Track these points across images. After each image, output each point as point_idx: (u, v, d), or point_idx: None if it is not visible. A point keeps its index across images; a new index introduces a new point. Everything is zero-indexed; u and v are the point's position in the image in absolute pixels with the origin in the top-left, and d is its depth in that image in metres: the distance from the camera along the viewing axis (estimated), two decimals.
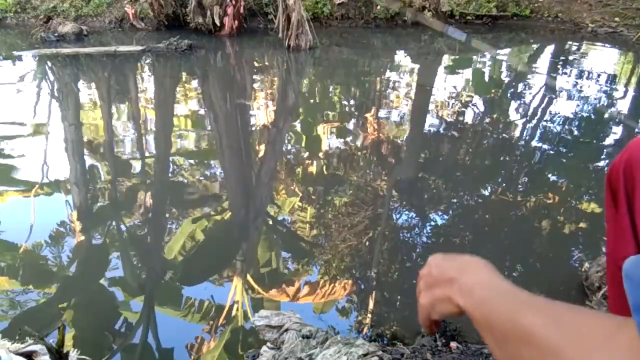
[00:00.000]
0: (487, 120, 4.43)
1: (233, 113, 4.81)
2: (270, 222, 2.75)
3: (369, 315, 1.95)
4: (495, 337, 0.49)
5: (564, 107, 4.68)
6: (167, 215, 2.83)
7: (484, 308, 0.52)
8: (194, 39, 7.51)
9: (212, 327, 1.89)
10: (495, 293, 0.53)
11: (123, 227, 2.66)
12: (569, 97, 4.99)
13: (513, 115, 4.62)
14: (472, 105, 4.91)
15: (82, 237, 2.54)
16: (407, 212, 2.78)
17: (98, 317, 1.96)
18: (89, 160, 3.53)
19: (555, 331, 0.42)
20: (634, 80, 5.91)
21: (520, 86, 5.65)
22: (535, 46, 7.98)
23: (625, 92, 5.33)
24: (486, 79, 6.16)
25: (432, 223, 2.65)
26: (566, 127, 4.19)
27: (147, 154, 3.70)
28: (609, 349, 0.39)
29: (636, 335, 0.38)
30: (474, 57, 7.28)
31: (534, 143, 3.84)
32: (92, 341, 1.81)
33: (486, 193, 2.99)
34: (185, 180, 3.26)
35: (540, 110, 4.70)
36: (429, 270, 0.64)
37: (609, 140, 3.93)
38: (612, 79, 5.80)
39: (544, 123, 4.31)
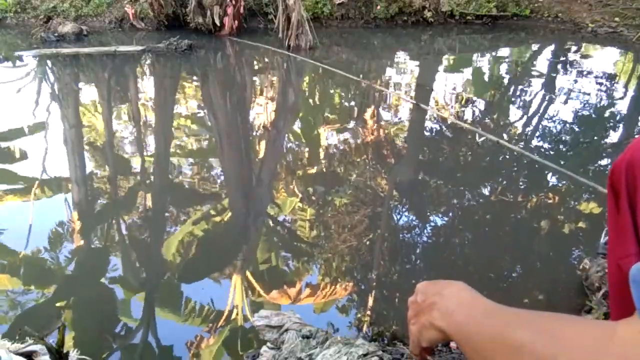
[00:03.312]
0: (487, 120, 4.43)
1: (233, 113, 4.81)
2: (271, 222, 2.75)
3: (369, 315, 1.95)
4: (482, 355, 0.49)
5: (563, 107, 4.68)
6: (167, 215, 2.83)
7: (468, 328, 0.52)
8: (194, 39, 7.51)
9: (212, 327, 1.89)
10: (479, 312, 0.53)
11: (123, 227, 2.66)
12: (569, 97, 4.99)
13: (513, 115, 4.62)
14: (472, 105, 4.91)
15: (82, 237, 2.54)
16: (406, 212, 2.78)
17: (98, 317, 1.96)
18: (89, 160, 3.53)
19: (547, 343, 0.42)
20: (634, 80, 5.91)
21: (520, 86, 5.65)
22: (535, 46, 7.98)
23: (625, 92, 5.33)
24: (486, 79, 6.16)
25: (432, 223, 2.65)
26: (566, 127, 4.19)
27: (147, 154, 3.70)
28: (602, 355, 0.39)
29: (627, 342, 0.38)
30: (474, 57, 7.28)
31: (534, 143, 3.84)
32: (92, 341, 1.81)
33: (486, 193, 2.99)
34: (185, 180, 3.25)
35: (540, 110, 4.70)
36: (415, 298, 0.64)
37: (608, 140, 3.93)
38: (612, 79, 5.80)
39: (544, 123, 4.31)
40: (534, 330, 0.44)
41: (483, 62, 7.18)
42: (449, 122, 4.17)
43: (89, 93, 5.43)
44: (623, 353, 0.38)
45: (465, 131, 3.89)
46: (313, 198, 2.95)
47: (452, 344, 1.66)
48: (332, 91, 5.52)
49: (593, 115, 4.51)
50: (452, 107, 4.82)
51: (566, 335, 0.42)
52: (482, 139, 3.55)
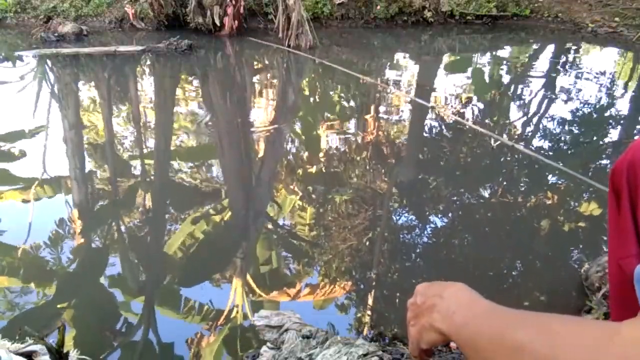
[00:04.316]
0: (487, 120, 4.43)
1: (233, 113, 4.81)
2: (270, 223, 2.75)
3: (369, 315, 1.95)
4: (483, 356, 0.49)
5: (563, 107, 4.68)
6: (167, 215, 2.83)
7: (468, 329, 0.52)
8: (194, 39, 7.51)
9: (212, 328, 1.88)
10: (478, 313, 0.53)
11: (123, 227, 2.66)
12: (569, 97, 5.00)
13: (513, 115, 4.62)
14: (472, 105, 4.91)
15: (82, 237, 2.54)
16: (407, 213, 2.78)
17: (98, 316, 1.96)
18: (88, 160, 3.53)
19: (547, 343, 0.42)
20: (634, 80, 5.91)
21: (520, 86, 5.66)
22: (535, 46, 7.98)
23: (625, 92, 5.33)
24: (486, 79, 6.16)
25: (432, 223, 2.65)
26: (566, 127, 4.19)
27: (146, 154, 3.70)
28: (604, 355, 0.39)
29: (629, 341, 0.38)
30: (474, 57, 7.29)
31: (534, 143, 3.84)
32: (92, 341, 1.81)
33: (486, 193, 2.98)
34: (185, 180, 3.25)
35: (540, 110, 4.70)
36: (415, 299, 0.64)
37: (609, 141, 3.93)
38: (612, 79, 5.80)
39: (544, 123, 4.31)
40: (534, 330, 0.44)
41: (483, 62, 7.18)
42: (448, 122, 4.16)
43: (89, 93, 5.43)
44: (624, 353, 0.38)
45: (465, 130, 3.89)
46: (313, 197, 2.95)
47: (452, 344, 1.66)
48: (331, 91, 5.52)
49: (593, 115, 4.51)
50: (452, 107, 4.82)
51: (566, 336, 0.42)
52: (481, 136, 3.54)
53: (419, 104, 4.70)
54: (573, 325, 0.44)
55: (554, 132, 4.06)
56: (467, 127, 3.91)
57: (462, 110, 4.67)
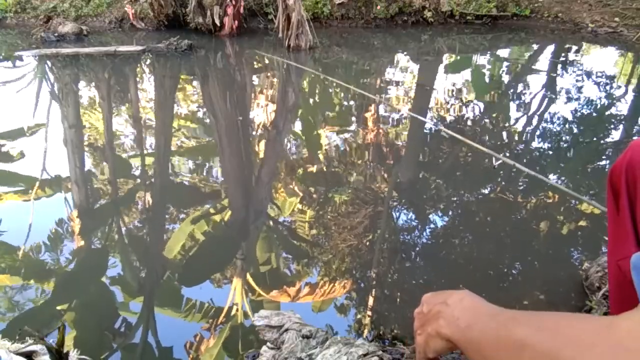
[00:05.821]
0: (487, 120, 4.43)
1: (233, 113, 4.81)
2: (270, 222, 2.75)
3: (369, 315, 1.95)
4: (486, 355, 0.50)
5: (563, 107, 4.68)
6: (166, 215, 2.83)
7: (471, 332, 0.53)
8: (194, 39, 7.52)
9: (212, 327, 1.89)
10: (482, 316, 0.54)
11: (123, 227, 2.66)
12: (569, 97, 5.00)
13: (513, 115, 4.62)
14: (472, 105, 4.91)
15: (82, 237, 2.54)
16: (407, 212, 2.78)
17: (98, 316, 1.96)
18: (88, 161, 3.53)
19: (548, 338, 0.43)
20: (634, 80, 5.91)
21: (520, 86, 5.66)
22: (535, 46, 7.98)
23: (625, 92, 5.33)
24: (486, 79, 6.16)
25: (432, 223, 2.65)
26: (566, 127, 4.19)
27: (147, 154, 3.70)
28: (601, 346, 0.40)
29: (625, 332, 0.39)
30: (474, 57, 7.29)
31: (533, 143, 3.84)
32: (92, 341, 1.81)
33: (486, 193, 2.99)
34: (185, 180, 3.26)
35: (540, 110, 4.70)
36: (421, 309, 0.66)
37: (608, 141, 3.93)
38: (612, 79, 5.80)
39: (544, 123, 4.31)
40: (534, 326, 0.45)
41: (483, 62, 7.18)
42: (448, 122, 4.16)
43: (89, 93, 5.43)
44: (621, 343, 0.39)
45: (465, 131, 3.89)
46: (314, 197, 2.95)
47: None
48: (331, 91, 5.52)
49: (593, 115, 4.51)
50: (451, 107, 4.82)
51: (566, 330, 0.43)
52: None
53: (418, 104, 4.70)
54: (572, 320, 0.45)
55: (553, 131, 4.06)
56: (464, 141, 3.91)
57: (461, 114, 4.67)
